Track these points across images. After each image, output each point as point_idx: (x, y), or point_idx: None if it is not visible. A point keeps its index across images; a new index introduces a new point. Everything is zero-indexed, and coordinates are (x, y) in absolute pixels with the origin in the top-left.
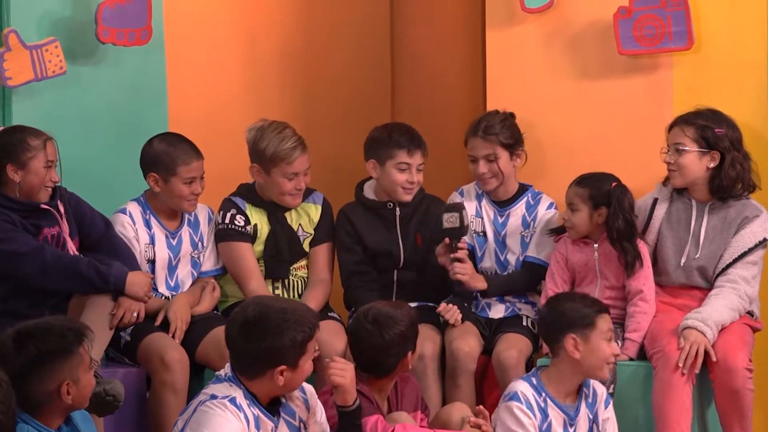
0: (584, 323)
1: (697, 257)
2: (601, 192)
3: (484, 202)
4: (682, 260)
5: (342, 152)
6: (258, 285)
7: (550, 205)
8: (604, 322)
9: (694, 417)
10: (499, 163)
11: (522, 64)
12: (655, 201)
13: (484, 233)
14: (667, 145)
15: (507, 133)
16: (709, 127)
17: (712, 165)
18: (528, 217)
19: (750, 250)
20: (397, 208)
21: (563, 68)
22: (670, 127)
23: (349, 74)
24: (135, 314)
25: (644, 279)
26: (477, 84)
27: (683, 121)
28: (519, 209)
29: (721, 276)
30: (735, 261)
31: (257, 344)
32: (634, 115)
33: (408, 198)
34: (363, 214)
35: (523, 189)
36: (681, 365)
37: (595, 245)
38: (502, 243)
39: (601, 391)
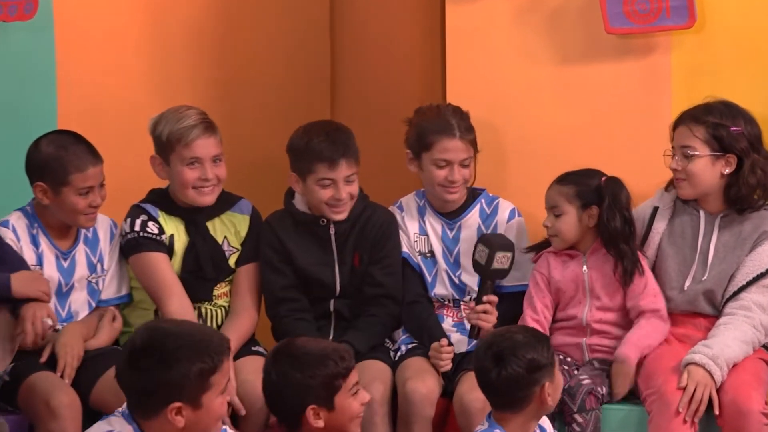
0: (552, 363)
1: (704, 279)
2: (589, 188)
3: (427, 216)
4: (687, 283)
5: (271, 152)
6: (180, 304)
7: (512, 213)
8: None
9: None
10: (471, 167)
11: (489, 45)
12: (655, 210)
13: (432, 253)
14: (672, 148)
15: (474, 130)
16: (723, 126)
17: (727, 171)
18: (485, 230)
19: None
20: (332, 225)
21: (539, 50)
22: (675, 125)
23: (277, 56)
24: (46, 320)
25: (654, 296)
26: (434, 68)
27: (691, 118)
28: (472, 219)
29: (732, 301)
30: (749, 284)
31: (145, 376)
32: (624, 108)
33: (340, 217)
34: (293, 229)
35: (473, 195)
36: (682, 410)
37: (584, 257)
38: (455, 263)
39: (547, 423)
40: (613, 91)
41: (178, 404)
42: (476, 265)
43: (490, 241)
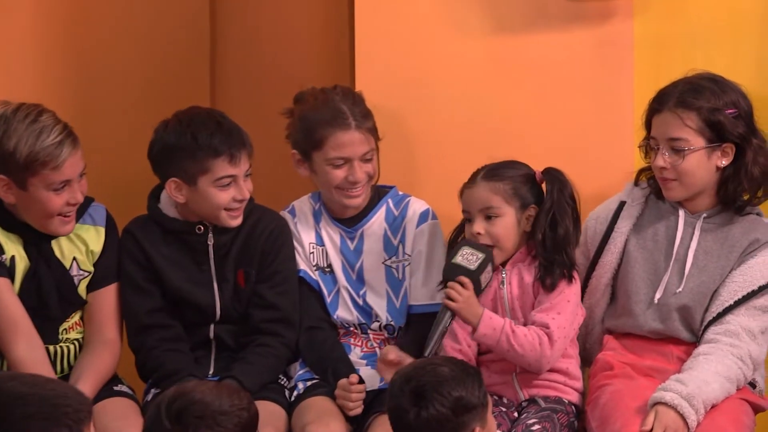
0: (483, 404)
1: (679, 291)
2: (526, 183)
3: (323, 222)
4: (657, 295)
5: (132, 152)
6: (29, 346)
7: (425, 214)
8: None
9: None
10: (374, 161)
11: (408, 13)
12: (622, 205)
13: (331, 268)
14: (652, 139)
15: (372, 115)
16: (718, 110)
17: (724, 163)
18: (393, 237)
19: (761, 290)
20: (211, 234)
21: (469, 17)
22: (654, 111)
23: (142, 30)
24: None
25: (558, 313)
26: (340, 43)
27: (679, 102)
28: (376, 225)
29: (716, 325)
30: (737, 304)
31: None
32: (575, 86)
33: (237, 222)
34: (160, 239)
35: (379, 194)
36: None
37: (503, 270)
38: (358, 280)
39: None
40: (561, 66)
41: None
42: (454, 269)
43: (485, 250)
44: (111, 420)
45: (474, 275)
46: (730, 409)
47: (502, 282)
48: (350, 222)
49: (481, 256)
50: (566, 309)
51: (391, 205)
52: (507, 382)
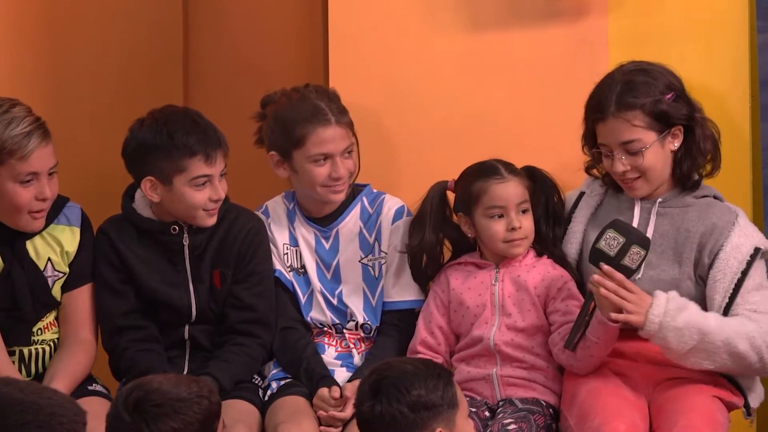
0: (447, 405)
1: (638, 278)
2: (534, 180)
3: (297, 222)
4: None
5: (105, 150)
6: None
7: (400, 211)
8: (460, 392)
9: None
10: (354, 156)
11: (382, 11)
12: (581, 196)
13: (304, 269)
14: (602, 146)
15: (346, 111)
16: (658, 100)
17: (676, 145)
18: (368, 235)
19: (745, 274)
20: (186, 234)
21: (446, 17)
22: (597, 120)
23: (115, 27)
24: None
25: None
26: (313, 41)
27: (619, 105)
28: (351, 223)
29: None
30: (734, 296)
31: None
32: (550, 84)
33: (213, 221)
34: (135, 240)
35: (354, 192)
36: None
37: (496, 268)
38: (333, 279)
39: None
40: (536, 63)
41: None
42: (598, 255)
43: (627, 230)
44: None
45: (614, 261)
46: (704, 408)
47: (495, 279)
48: (325, 221)
49: (622, 240)
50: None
51: (365, 202)
52: (486, 379)
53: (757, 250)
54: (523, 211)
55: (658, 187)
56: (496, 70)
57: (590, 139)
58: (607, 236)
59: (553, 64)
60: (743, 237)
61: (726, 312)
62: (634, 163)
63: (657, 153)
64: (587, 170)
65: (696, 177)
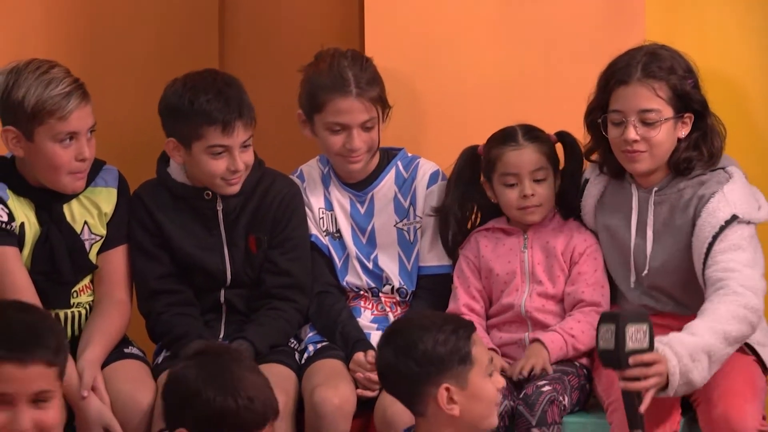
0: (457, 361)
1: (645, 274)
2: (552, 146)
3: (332, 187)
4: (632, 278)
5: (142, 112)
6: None
7: (435, 175)
8: (481, 349)
9: None
10: (375, 130)
11: None
12: (585, 184)
13: (340, 234)
14: (615, 113)
15: (381, 83)
16: (683, 78)
17: (683, 134)
18: (403, 199)
19: (715, 238)
20: (219, 200)
21: None
22: (619, 83)
23: None
24: None
25: (601, 287)
26: (351, 2)
27: (648, 73)
28: (386, 187)
29: (707, 289)
30: (705, 260)
31: None
32: (585, 51)
33: (234, 190)
34: (170, 204)
35: (388, 156)
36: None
37: (524, 234)
38: (369, 243)
39: None
40: (572, 28)
41: None
42: (605, 357)
43: (613, 315)
44: (122, 382)
45: (618, 353)
46: (741, 373)
47: (524, 245)
48: (360, 186)
49: (645, 327)
50: (605, 280)
51: (400, 167)
52: (518, 343)
53: (734, 217)
54: (538, 180)
55: (655, 170)
56: (532, 36)
57: (598, 111)
58: (600, 332)
59: (588, 30)
60: (722, 203)
61: (703, 275)
62: (646, 134)
63: (669, 132)
64: (587, 155)
65: (693, 165)
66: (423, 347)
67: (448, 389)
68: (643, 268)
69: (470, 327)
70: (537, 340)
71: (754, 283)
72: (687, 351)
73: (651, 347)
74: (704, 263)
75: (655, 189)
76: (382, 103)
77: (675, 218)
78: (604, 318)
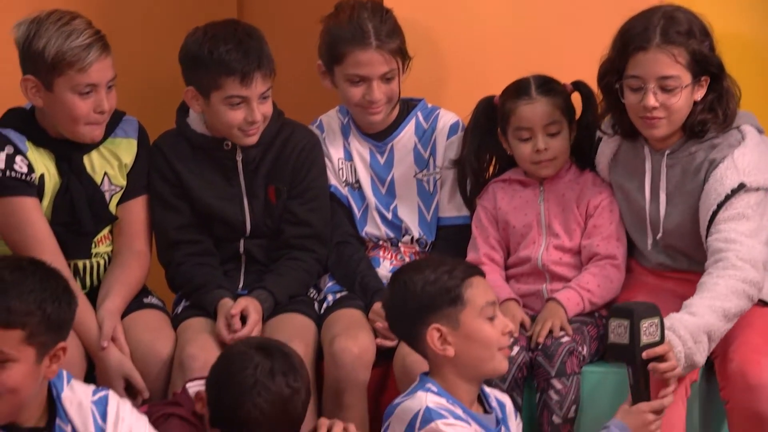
0: (446, 302)
1: (660, 236)
2: (568, 97)
3: (352, 137)
4: (649, 240)
5: (162, 62)
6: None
7: (455, 126)
8: (478, 292)
9: None
10: (395, 81)
11: None
12: (599, 141)
13: (359, 184)
14: (633, 78)
15: (401, 34)
16: (702, 41)
17: (699, 96)
18: (423, 150)
19: (720, 207)
20: (239, 151)
21: None
22: (638, 49)
23: None
24: None
25: (616, 240)
26: None
27: (667, 39)
28: (406, 137)
29: (709, 251)
30: (709, 226)
31: None
32: (607, 2)
33: (251, 141)
34: (189, 155)
35: (408, 107)
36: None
37: (540, 186)
38: (388, 194)
39: (505, 398)
40: None
41: None
42: (616, 350)
43: (626, 310)
44: (142, 332)
45: (633, 348)
46: (760, 326)
47: (540, 198)
48: (379, 136)
49: (657, 320)
50: (622, 232)
51: (420, 117)
52: (536, 294)
53: (741, 185)
54: (552, 134)
55: (672, 135)
56: None
57: (614, 74)
58: (612, 326)
59: None
60: (730, 170)
61: (705, 240)
62: (666, 101)
63: (687, 97)
64: (600, 118)
65: (707, 128)
66: (413, 287)
67: (438, 329)
68: (658, 231)
69: (470, 270)
70: (553, 299)
71: (753, 255)
72: (689, 334)
73: (662, 339)
74: (707, 230)
75: (668, 152)
76: (401, 54)
77: (686, 182)
78: (616, 312)
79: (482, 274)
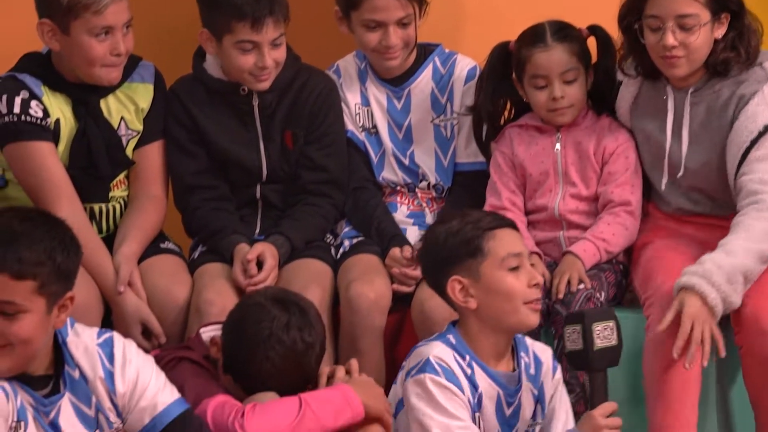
0: (466, 253)
1: (681, 175)
2: (584, 42)
3: (369, 83)
4: (664, 180)
5: (179, 6)
6: (72, 210)
7: (473, 71)
8: (500, 243)
9: (709, 393)
10: (412, 26)
11: None
12: (618, 86)
13: (376, 129)
14: (652, 18)
15: None
16: None
17: (720, 34)
18: (440, 95)
19: (753, 143)
20: (255, 96)
21: None
22: None
23: None
24: None
25: (631, 186)
26: None
27: None
28: (423, 82)
29: (739, 191)
30: (740, 164)
31: None
32: None
33: (262, 86)
34: (205, 100)
35: (425, 52)
36: (676, 355)
37: (557, 133)
38: (405, 139)
39: (546, 355)
40: None
41: None
42: (574, 358)
43: (578, 315)
44: (159, 277)
45: (588, 353)
46: None
47: (557, 146)
48: (397, 81)
49: (611, 324)
50: (637, 178)
51: (437, 63)
52: (553, 241)
53: None
54: (569, 81)
55: (694, 73)
56: None
57: (633, 14)
58: (567, 334)
59: None
60: (762, 106)
61: (735, 179)
62: (685, 40)
63: (706, 35)
64: (621, 61)
65: (730, 67)
66: (436, 238)
67: (460, 281)
68: (678, 170)
69: (497, 222)
70: (569, 252)
71: None
72: (725, 276)
73: (620, 343)
74: (737, 168)
75: (691, 90)
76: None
77: (712, 119)
78: (568, 319)
79: (513, 227)
